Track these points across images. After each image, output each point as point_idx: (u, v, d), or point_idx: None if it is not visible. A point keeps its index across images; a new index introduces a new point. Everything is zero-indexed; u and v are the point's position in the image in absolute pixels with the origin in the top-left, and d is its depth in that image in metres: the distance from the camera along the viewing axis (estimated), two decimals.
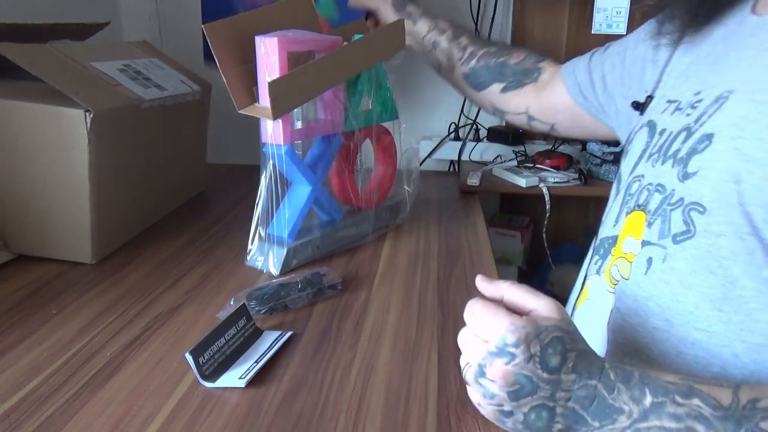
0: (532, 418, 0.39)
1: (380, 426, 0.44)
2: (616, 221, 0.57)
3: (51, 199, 0.67)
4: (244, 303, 0.56)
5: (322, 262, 0.73)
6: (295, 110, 0.67)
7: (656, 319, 0.49)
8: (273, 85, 0.58)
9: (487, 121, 1.36)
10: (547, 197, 1.09)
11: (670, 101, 0.56)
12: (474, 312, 0.42)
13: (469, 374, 0.41)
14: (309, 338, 0.56)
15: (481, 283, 0.46)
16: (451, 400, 0.47)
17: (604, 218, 0.62)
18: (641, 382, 0.39)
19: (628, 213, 0.56)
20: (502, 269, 1.14)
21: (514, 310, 0.42)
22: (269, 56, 0.61)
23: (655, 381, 0.39)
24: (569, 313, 0.58)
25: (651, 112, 0.59)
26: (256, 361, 0.51)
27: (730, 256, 0.45)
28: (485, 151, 1.32)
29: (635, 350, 0.50)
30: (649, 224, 0.52)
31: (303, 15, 0.72)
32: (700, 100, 0.52)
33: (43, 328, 0.57)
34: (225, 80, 0.59)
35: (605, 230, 0.59)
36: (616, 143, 1.21)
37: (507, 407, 0.40)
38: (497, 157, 1.29)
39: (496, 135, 1.32)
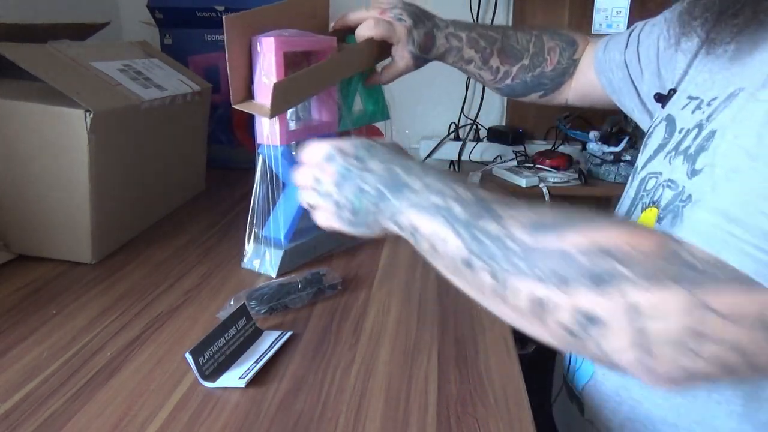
0: (353, 200, 0.48)
1: (380, 426, 0.44)
2: (628, 214, 0.58)
3: (51, 199, 0.67)
4: (244, 303, 0.56)
5: (322, 262, 0.73)
6: (290, 111, 0.67)
7: None
8: (277, 87, 0.58)
9: (487, 121, 1.37)
10: (547, 197, 1.09)
11: (691, 97, 0.56)
12: (305, 153, 0.52)
13: (310, 195, 0.51)
14: (309, 338, 0.56)
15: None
16: (451, 400, 0.47)
17: (616, 211, 0.62)
18: (431, 170, 0.47)
19: (644, 209, 0.55)
20: None
21: None
22: (266, 56, 0.61)
23: (442, 172, 0.47)
24: None
25: (671, 106, 0.59)
26: (256, 361, 0.51)
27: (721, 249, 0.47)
28: (485, 151, 1.32)
29: None
30: (659, 219, 0.52)
31: (320, 11, 0.71)
32: (716, 97, 0.52)
33: (43, 328, 0.57)
34: (229, 72, 0.59)
35: None
36: (617, 143, 1.21)
37: (337, 197, 0.49)
38: (497, 157, 1.30)
39: (496, 135, 1.33)
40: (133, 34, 1.26)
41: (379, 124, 0.82)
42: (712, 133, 0.48)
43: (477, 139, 1.34)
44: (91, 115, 0.63)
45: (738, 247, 0.36)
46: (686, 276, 0.33)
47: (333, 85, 0.70)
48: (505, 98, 1.37)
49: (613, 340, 0.35)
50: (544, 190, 1.10)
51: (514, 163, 1.24)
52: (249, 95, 0.63)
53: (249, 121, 1.13)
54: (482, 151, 1.32)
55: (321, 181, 0.50)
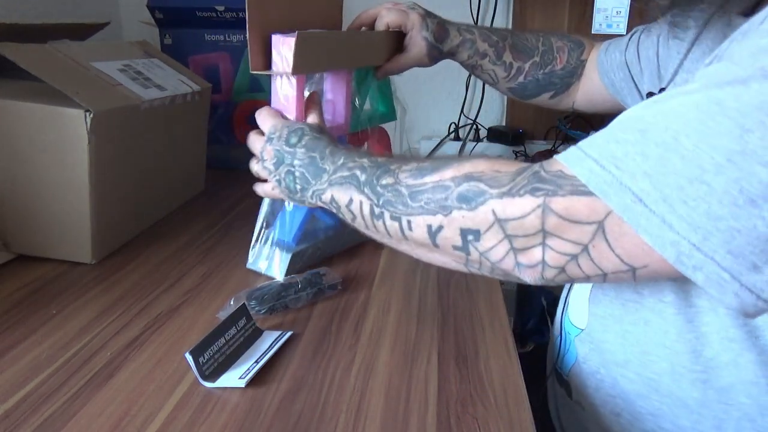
0: (287, 180, 0.55)
1: (380, 426, 0.44)
2: None
3: (51, 199, 0.67)
4: (244, 303, 0.56)
5: (322, 262, 0.73)
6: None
7: (629, 292, 0.54)
8: (301, 36, 0.56)
9: (487, 121, 1.37)
10: None
11: None
12: (258, 116, 0.60)
13: (259, 167, 0.59)
14: (309, 338, 0.56)
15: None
16: (451, 400, 0.47)
17: None
18: (342, 151, 0.53)
19: None
20: None
21: None
22: (284, 56, 0.59)
23: (350, 151, 0.53)
24: (567, 290, 0.64)
25: None
26: (256, 361, 0.51)
27: None
28: (485, 151, 1.32)
29: (612, 321, 0.55)
30: None
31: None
32: None
33: (43, 328, 0.57)
34: (248, 38, 0.58)
35: None
36: None
37: (276, 176, 0.57)
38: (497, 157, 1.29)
39: (496, 135, 1.33)
40: (133, 34, 1.26)
41: (387, 125, 0.82)
42: None
43: (477, 139, 1.34)
44: (91, 115, 0.63)
45: None
46: (537, 188, 0.39)
47: (351, 67, 0.69)
48: (505, 98, 1.37)
49: (491, 248, 0.41)
50: None
51: None
52: (268, 63, 0.61)
53: (249, 121, 1.14)
54: (482, 151, 1.32)
55: (264, 157, 0.58)
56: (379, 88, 0.78)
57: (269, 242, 0.70)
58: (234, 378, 0.49)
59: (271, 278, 0.69)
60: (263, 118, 0.60)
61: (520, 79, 0.81)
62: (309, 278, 0.63)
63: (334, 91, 0.69)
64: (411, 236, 0.46)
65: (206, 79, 0.95)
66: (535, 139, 1.35)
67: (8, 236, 0.70)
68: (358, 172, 0.50)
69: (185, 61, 1.01)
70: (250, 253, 0.70)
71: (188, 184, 0.96)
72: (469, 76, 1.34)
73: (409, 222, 0.45)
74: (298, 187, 0.55)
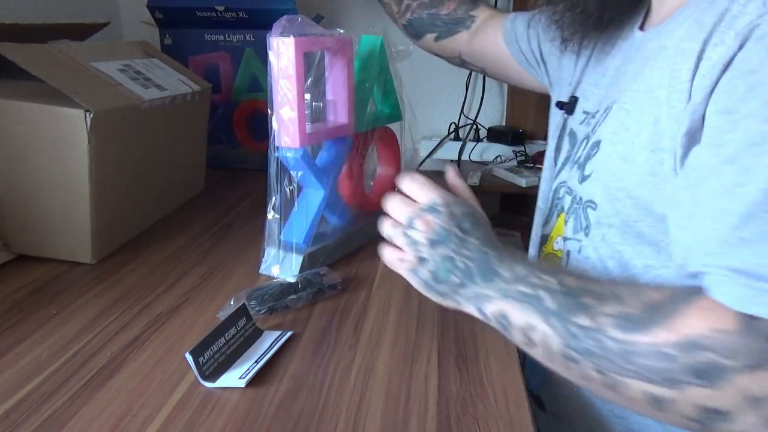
0: (440, 266, 0.48)
1: (380, 426, 0.44)
2: (547, 221, 0.65)
3: (51, 199, 0.67)
4: (244, 303, 0.56)
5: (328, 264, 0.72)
6: (307, 113, 0.65)
7: None
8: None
9: (487, 121, 1.37)
10: None
11: (585, 112, 0.64)
12: (414, 181, 0.52)
13: (396, 231, 0.51)
14: (309, 338, 0.56)
15: (452, 173, 0.57)
16: (451, 400, 0.47)
17: (535, 218, 0.70)
18: (519, 259, 0.48)
19: (558, 215, 0.62)
20: None
21: None
22: (284, 56, 0.60)
23: (530, 262, 0.47)
24: None
25: (572, 121, 0.66)
26: (256, 361, 0.51)
27: (621, 242, 0.52)
28: (485, 151, 1.32)
29: None
30: (566, 222, 0.59)
31: None
32: (598, 110, 0.59)
33: (43, 328, 0.57)
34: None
35: (536, 229, 0.68)
36: None
37: (425, 254, 0.49)
38: (497, 157, 1.30)
39: (496, 135, 1.33)
40: (133, 34, 1.25)
41: (393, 126, 0.82)
42: (597, 143, 0.55)
43: (477, 139, 1.34)
44: (91, 115, 0.63)
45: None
46: None
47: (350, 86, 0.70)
48: (505, 98, 1.37)
49: (743, 424, 0.36)
50: None
51: (514, 163, 1.24)
52: None
53: (249, 121, 1.14)
54: (482, 151, 1.32)
55: (415, 226, 0.50)
56: (384, 88, 0.78)
57: (279, 245, 0.69)
58: (234, 378, 0.49)
59: (267, 276, 0.68)
60: (420, 185, 0.52)
61: (408, 15, 0.91)
62: (309, 278, 0.63)
63: (334, 91, 0.69)
64: (620, 391, 0.40)
65: (206, 79, 0.95)
66: (535, 139, 1.35)
67: (8, 236, 0.70)
68: (544, 295, 0.44)
69: (185, 61, 1.01)
70: (262, 258, 0.69)
71: (188, 184, 0.96)
72: (469, 75, 1.34)
73: (621, 382, 0.40)
74: (455, 279, 0.48)
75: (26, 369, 0.50)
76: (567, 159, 0.64)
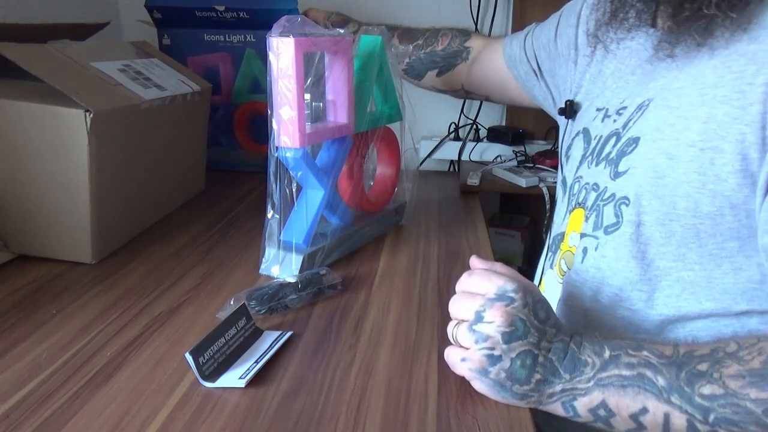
0: (517, 364, 0.42)
1: (380, 426, 0.44)
2: (564, 219, 0.64)
3: (51, 199, 0.67)
4: (244, 303, 0.56)
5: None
6: (307, 113, 0.65)
7: (588, 302, 0.56)
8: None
9: (487, 120, 1.37)
10: (547, 197, 1.09)
11: (599, 109, 0.63)
12: (472, 275, 0.47)
13: (460, 329, 0.45)
14: (309, 338, 0.56)
15: (476, 260, 0.52)
16: (451, 400, 0.47)
17: (554, 217, 0.70)
18: (601, 340, 0.44)
19: (571, 211, 0.62)
20: None
21: None
22: (284, 56, 0.60)
23: (611, 339, 0.45)
24: None
25: (584, 119, 0.67)
26: (256, 361, 0.51)
27: (648, 242, 0.52)
28: (485, 151, 1.32)
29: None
30: (587, 219, 0.59)
31: None
32: (624, 107, 0.59)
33: (43, 328, 0.57)
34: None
35: (555, 228, 0.67)
36: None
37: (497, 351, 0.42)
38: (497, 157, 1.29)
39: (496, 135, 1.32)
40: (133, 34, 1.25)
41: (393, 126, 0.82)
42: (634, 140, 0.55)
43: (477, 139, 1.34)
44: (91, 115, 0.63)
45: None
46: None
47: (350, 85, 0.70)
48: None
49: None
50: (544, 190, 1.10)
51: (514, 163, 1.24)
52: None
53: (250, 123, 1.14)
54: (482, 151, 1.32)
55: (485, 319, 0.43)
56: (384, 88, 0.78)
57: (279, 245, 0.69)
58: (234, 378, 0.49)
59: (267, 276, 0.68)
60: (479, 277, 0.46)
61: (406, 60, 0.94)
62: (309, 278, 0.63)
63: (334, 91, 0.69)
64: None
65: (206, 79, 0.95)
66: (535, 139, 1.35)
67: (8, 236, 0.70)
68: (648, 373, 0.41)
69: (184, 62, 1.01)
70: (262, 258, 0.69)
71: (188, 184, 0.96)
72: None
73: None
74: (537, 376, 0.42)
75: (26, 369, 0.50)
76: (584, 156, 0.63)
